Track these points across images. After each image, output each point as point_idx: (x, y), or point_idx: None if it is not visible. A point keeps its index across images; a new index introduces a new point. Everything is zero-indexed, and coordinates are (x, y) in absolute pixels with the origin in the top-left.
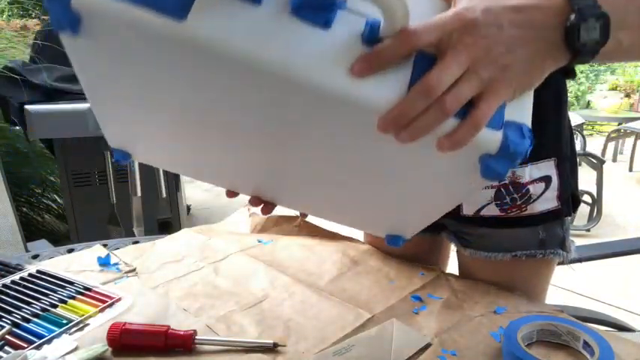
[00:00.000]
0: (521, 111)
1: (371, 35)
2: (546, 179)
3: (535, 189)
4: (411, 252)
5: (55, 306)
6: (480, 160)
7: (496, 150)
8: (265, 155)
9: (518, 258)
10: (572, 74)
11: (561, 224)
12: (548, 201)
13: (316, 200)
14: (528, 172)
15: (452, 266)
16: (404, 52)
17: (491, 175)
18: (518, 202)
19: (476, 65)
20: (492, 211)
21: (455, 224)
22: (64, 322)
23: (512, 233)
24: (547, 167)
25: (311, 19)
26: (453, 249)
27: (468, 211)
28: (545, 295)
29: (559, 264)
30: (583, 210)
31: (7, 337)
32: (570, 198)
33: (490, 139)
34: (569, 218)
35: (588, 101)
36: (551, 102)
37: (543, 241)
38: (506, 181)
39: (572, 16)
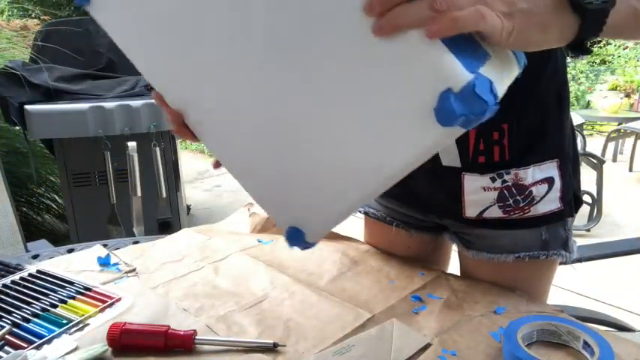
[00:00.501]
0: (500, 80)
1: None
2: (549, 180)
3: (538, 190)
4: (414, 252)
5: (55, 306)
6: (439, 97)
7: (460, 88)
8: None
9: (521, 259)
10: (585, 50)
11: (564, 225)
12: (551, 202)
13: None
14: (531, 174)
15: (453, 267)
16: None
17: (443, 114)
18: (521, 204)
19: None
20: (495, 213)
21: (457, 225)
22: (64, 322)
23: (515, 235)
24: (550, 168)
25: None
26: (454, 249)
27: (470, 213)
28: (547, 296)
29: (561, 264)
30: (583, 210)
31: (7, 337)
32: (573, 198)
33: (459, 73)
34: (571, 219)
35: (588, 101)
36: (553, 102)
37: (546, 242)
38: (509, 183)
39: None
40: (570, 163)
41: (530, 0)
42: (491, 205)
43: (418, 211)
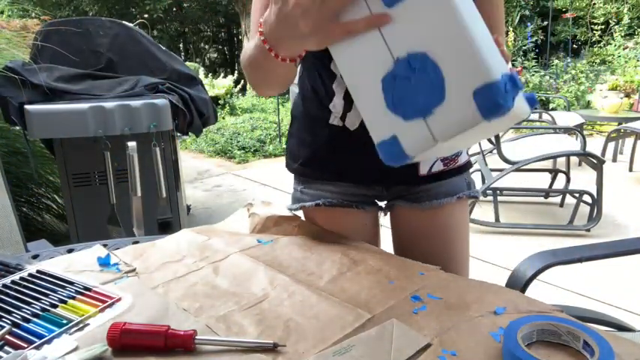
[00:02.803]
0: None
1: None
2: None
3: None
4: (369, 229)
5: (55, 306)
6: (482, 87)
7: (501, 76)
8: None
9: (460, 198)
10: None
11: (469, 172)
12: (464, 155)
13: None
14: None
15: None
16: None
17: (488, 104)
18: (452, 156)
19: None
20: (438, 166)
21: (406, 189)
22: (64, 322)
23: (451, 181)
24: None
25: None
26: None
27: (423, 171)
28: (468, 242)
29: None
30: (583, 210)
31: (7, 337)
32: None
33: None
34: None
35: (588, 101)
36: None
37: (469, 183)
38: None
39: None
40: None
41: None
42: (436, 161)
43: (368, 186)
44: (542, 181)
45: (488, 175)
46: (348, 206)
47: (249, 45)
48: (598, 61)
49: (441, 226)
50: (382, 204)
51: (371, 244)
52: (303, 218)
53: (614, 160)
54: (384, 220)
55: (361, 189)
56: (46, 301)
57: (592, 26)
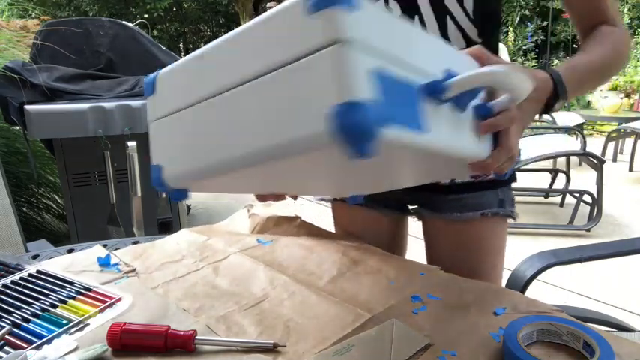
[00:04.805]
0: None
1: (484, 112)
2: None
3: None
4: (384, 232)
5: (55, 306)
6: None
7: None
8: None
9: (484, 216)
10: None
11: (509, 188)
12: None
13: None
14: None
15: (412, 253)
16: (507, 124)
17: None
18: None
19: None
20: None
21: (428, 196)
22: (64, 322)
23: (479, 196)
24: None
25: (461, 107)
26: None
27: (445, 180)
28: (503, 255)
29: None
30: (583, 210)
31: (7, 337)
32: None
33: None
34: (512, 184)
35: (588, 101)
36: None
37: (502, 201)
38: None
39: (553, 99)
40: None
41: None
42: None
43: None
44: (542, 181)
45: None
46: (371, 207)
47: None
48: None
49: (464, 242)
50: (411, 209)
51: (391, 249)
52: (303, 218)
53: (614, 160)
54: (417, 232)
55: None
56: (46, 301)
57: None
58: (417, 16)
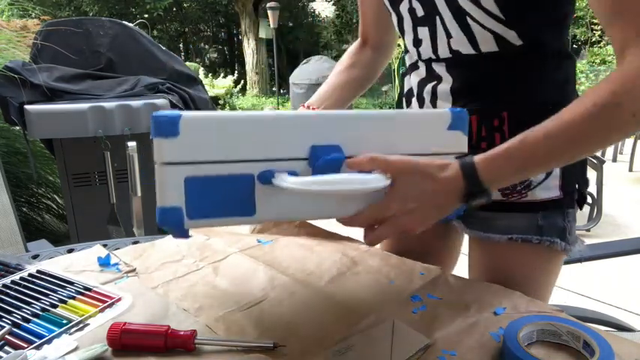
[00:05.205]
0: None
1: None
2: None
3: (536, 176)
4: (425, 244)
5: (55, 306)
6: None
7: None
8: None
9: (513, 241)
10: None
11: (563, 215)
12: (549, 189)
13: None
14: None
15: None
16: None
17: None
18: (518, 188)
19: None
20: (495, 195)
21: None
22: (64, 322)
23: (511, 217)
24: None
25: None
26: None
27: None
28: (548, 293)
29: (565, 263)
30: (583, 210)
31: (7, 337)
32: (576, 191)
33: None
34: (572, 210)
35: None
36: (558, 83)
37: (541, 227)
38: None
39: (466, 196)
40: None
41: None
42: None
43: None
44: None
45: None
46: None
47: None
48: (598, 61)
49: (491, 266)
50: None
51: (438, 261)
52: None
53: (614, 160)
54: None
55: None
56: (46, 301)
57: (592, 26)
58: (437, 18)
